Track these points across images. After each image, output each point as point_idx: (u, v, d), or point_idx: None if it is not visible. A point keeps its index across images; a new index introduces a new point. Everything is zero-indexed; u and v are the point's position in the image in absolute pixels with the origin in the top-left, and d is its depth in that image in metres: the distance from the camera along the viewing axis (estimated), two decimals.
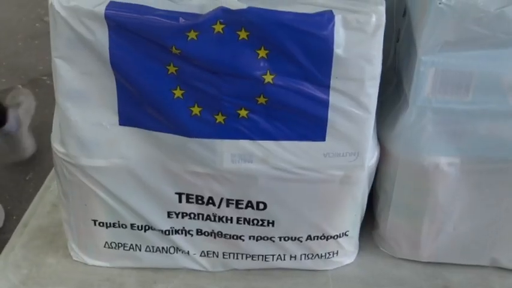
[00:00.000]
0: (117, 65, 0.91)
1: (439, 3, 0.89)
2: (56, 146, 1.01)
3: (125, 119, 0.96)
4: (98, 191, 1.01)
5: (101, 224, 1.06)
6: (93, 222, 1.06)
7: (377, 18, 0.87)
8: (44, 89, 2.75)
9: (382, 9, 0.88)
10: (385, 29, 0.89)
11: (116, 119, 0.96)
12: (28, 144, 2.33)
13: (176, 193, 1.02)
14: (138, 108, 0.94)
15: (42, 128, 2.43)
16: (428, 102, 0.96)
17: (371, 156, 1.00)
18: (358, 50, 0.88)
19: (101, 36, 0.89)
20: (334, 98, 0.91)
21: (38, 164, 2.30)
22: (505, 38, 0.89)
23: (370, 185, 1.06)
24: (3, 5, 3.41)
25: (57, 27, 0.90)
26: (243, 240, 1.06)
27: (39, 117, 2.48)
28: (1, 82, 2.81)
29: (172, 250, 1.08)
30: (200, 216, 1.04)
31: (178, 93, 0.92)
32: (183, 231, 1.06)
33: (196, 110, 0.93)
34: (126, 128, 0.97)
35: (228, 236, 1.06)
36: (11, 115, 2.29)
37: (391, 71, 1.11)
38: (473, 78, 0.93)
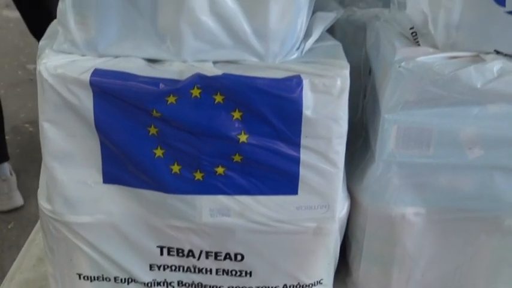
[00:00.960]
0: (101, 127, 0.98)
1: (399, 67, 0.99)
2: (43, 203, 1.07)
3: (109, 178, 1.03)
4: (83, 246, 1.07)
5: (86, 278, 1.11)
6: (78, 276, 1.11)
7: (342, 81, 0.96)
8: (26, 136, 2.80)
9: (347, 72, 0.97)
10: (353, 84, 0.98)
11: (100, 177, 1.03)
12: (17, 195, 2.38)
13: (158, 246, 1.08)
14: (121, 167, 1.01)
15: (23, 176, 2.48)
16: (393, 156, 1.04)
17: (341, 208, 1.08)
18: (325, 111, 0.96)
19: (86, 101, 0.96)
20: (304, 155, 0.99)
21: (19, 213, 2.34)
22: (460, 97, 0.98)
23: (342, 235, 1.13)
24: None
25: (45, 93, 0.98)
26: None
27: (20, 165, 2.53)
28: None
29: None
30: (181, 268, 1.10)
31: (159, 152, 0.99)
32: (165, 283, 1.12)
33: (176, 168, 1.00)
34: (109, 186, 1.04)
35: (208, 287, 1.12)
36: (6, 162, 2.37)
37: (360, 125, 1.20)
38: (433, 134, 1.02)
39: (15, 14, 4.04)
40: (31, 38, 3.64)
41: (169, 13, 0.96)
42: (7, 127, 2.84)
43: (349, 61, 1.14)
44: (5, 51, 3.50)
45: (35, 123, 2.98)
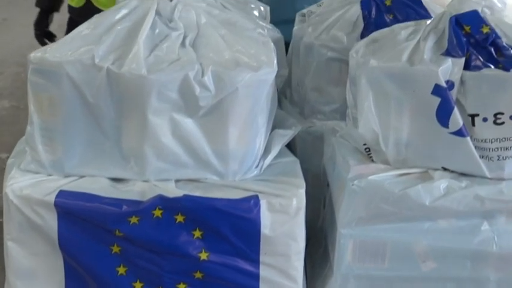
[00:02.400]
0: (65, 246, 1.02)
1: (352, 185, 1.05)
2: None
3: None
4: None
5: None
6: None
7: (298, 201, 1.02)
8: None
9: (302, 192, 1.03)
10: (314, 191, 1.04)
11: None
12: None
13: None
14: (84, 285, 1.04)
15: None
16: (350, 269, 1.09)
17: None
18: (282, 229, 1.02)
19: (51, 221, 1.01)
20: (264, 272, 1.03)
21: None
22: (411, 213, 1.05)
23: None
24: None
25: (10, 213, 1.02)
26: None
27: None
28: None
29: None
30: None
31: (121, 270, 1.03)
32: None
33: (138, 285, 1.03)
34: None
35: None
36: None
37: (320, 233, 1.25)
38: (388, 248, 1.08)
39: None
40: (5, 126, 3.71)
41: (133, 136, 1.02)
42: None
43: (310, 169, 1.22)
44: None
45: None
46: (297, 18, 1.56)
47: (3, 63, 4.93)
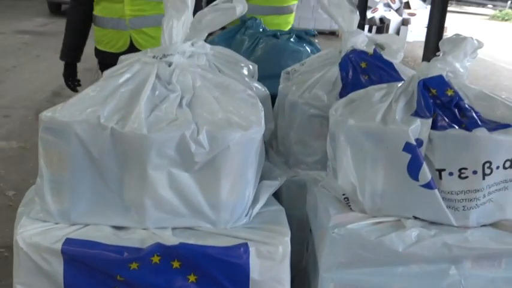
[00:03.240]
0: None
1: (333, 233, 1.07)
2: None
3: None
4: None
5: None
6: None
7: (283, 248, 1.03)
8: (1, 260, 2.75)
9: (288, 240, 1.05)
10: (299, 234, 1.05)
11: None
12: None
13: None
14: None
15: None
16: None
17: None
18: (270, 274, 1.03)
19: (57, 266, 1.01)
20: None
21: None
22: (385, 259, 1.07)
23: None
24: None
25: (20, 259, 1.02)
26: None
27: None
28: None
29: None
30: None
31: None
32: None
33: None
34: None
35: None
36: None
37: (304, 274, 1.26)
38: None
39: (0, 143, 4.11)
40: (12, 166, 3.69)
41: (134, 188, 1.03)
42: None
43: (294, 214, 1.23)
44: None
45: (10, 248, 2.94)
46: (282, 75, 1.60)
47: (12, 107, 4.94)
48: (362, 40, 1.43)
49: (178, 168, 1.02)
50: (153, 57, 1.11)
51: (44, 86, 5.64)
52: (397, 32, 10.73)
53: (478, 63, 1.27)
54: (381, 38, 1.50)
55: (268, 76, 1.64)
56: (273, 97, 1.50)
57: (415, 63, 7.55)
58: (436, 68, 1.15)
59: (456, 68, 1.16)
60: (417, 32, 10.04)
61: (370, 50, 1.42)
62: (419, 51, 7.39)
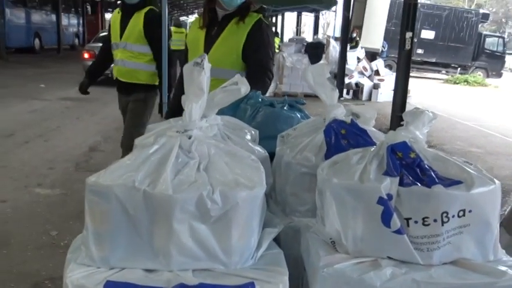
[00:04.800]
0: None
1: (322, 272, 1.08)
2: None
3: None
4: None
5: None
6: None
7: (283, 286, 1.05)
8: None
9: (286, 278, 1.06)
10: (294, 271, 1.07)
11: None
12: None
13: None
14: None
15: None
16: None
17: None
18: None
19: None
20: None
21: None
22: None
23: None
24: (17, 221, 3.47)
25: None
26: None
27: None
28: (10, 286, 2.76)
29: None
30: None
31: None
32: None
33: None
34: None
35: None
36: None
37: None
38: None
39: (45, 191, 4.13)
40: (56, 210, 3.70)
41: (161, 238, 1.06)
42: (29, 284, 2.77)
43: (291, 254, 1.24)
44: (33, 221, 3.49)
45: (53, 280, 2.91)
46: (278, 138, 1.64)
47: (55, 160, 5.00)
48: (341, 112, 1.48)
49: (197, 221, 1.05)
50: (177, 131, 1.16)
51: (82, 142, 5.72)
52: (370, 94, 10.94)
53: (436, 118, 1.32)
54: (356, 109, 1.56)
55: (268, 137, 1.67)
56: (271, 154, 1.54)
57: (385, 119, 7.66)
58: (400, 135, 1.19)
59: (416, 135, 1.20)
60: (386, 94, 10.25)
61: (348, 120, 1.46)
62: (388, 109, 7.51)
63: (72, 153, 5.31)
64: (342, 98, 10.25)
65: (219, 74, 2.18)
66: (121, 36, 3.32)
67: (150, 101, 3.47)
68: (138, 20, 3.29)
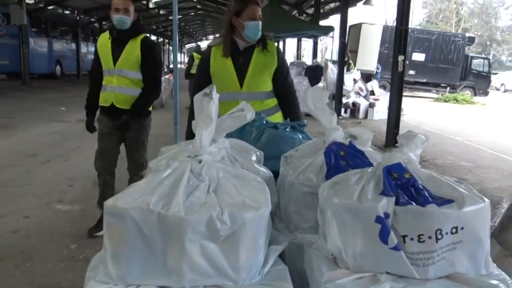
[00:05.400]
0: None
1: (325, 287, 1.07)
2: None
3: None
4: None
5: None
6: None
7: None
8: None
9: None
10: (298, 285, 1.04)
11: None
12: None
13: None
14: None
15: None
16: None
17: None
18: None
19: None
20: None
21: None
22: None
23: None
24: (39, 236, 3.47)
25: None
26: None
27: None
28: None
29: None
30: None
31: None
32: None
33: None
34: None
35: None
36: None
37: None
38: None
39: (65, 207, 4.13)
40: (75, 224, 3.69)
41: (174, 257, 1.05)
42: None
43: (295, 268, 1.23)
44: (54, 235, 3.49)
45: None
46: (282, 159, 1.64)
47: (75, 178, 5.01)
48: (340, 134, 1.49)
49: (207, 240, 1.05)
50: (188, 156, 1.17)
51: None
52: (366, 113, 10.95)
53: (428, 134, 1.32)
54: (354, 131, 1.56)
55: (272, 157, 1.67)
56: (276, 172, 1.53)
57: (380, 135, 7.65)
58: (396, 157, 1.19)
59: (410, 157, 1.20)
60: (381, 112, 10.25)
61: (346, 142, 1.46)
62: (383, 127, 7.51)
63: (91, 171, 5.25)
64: (340, 117, 10.27)
65: (258, 96, 2.37)
66: (114, 63, 3.20)
67: (148, 125, 3.43)
68: (134, 47, 3.18)
